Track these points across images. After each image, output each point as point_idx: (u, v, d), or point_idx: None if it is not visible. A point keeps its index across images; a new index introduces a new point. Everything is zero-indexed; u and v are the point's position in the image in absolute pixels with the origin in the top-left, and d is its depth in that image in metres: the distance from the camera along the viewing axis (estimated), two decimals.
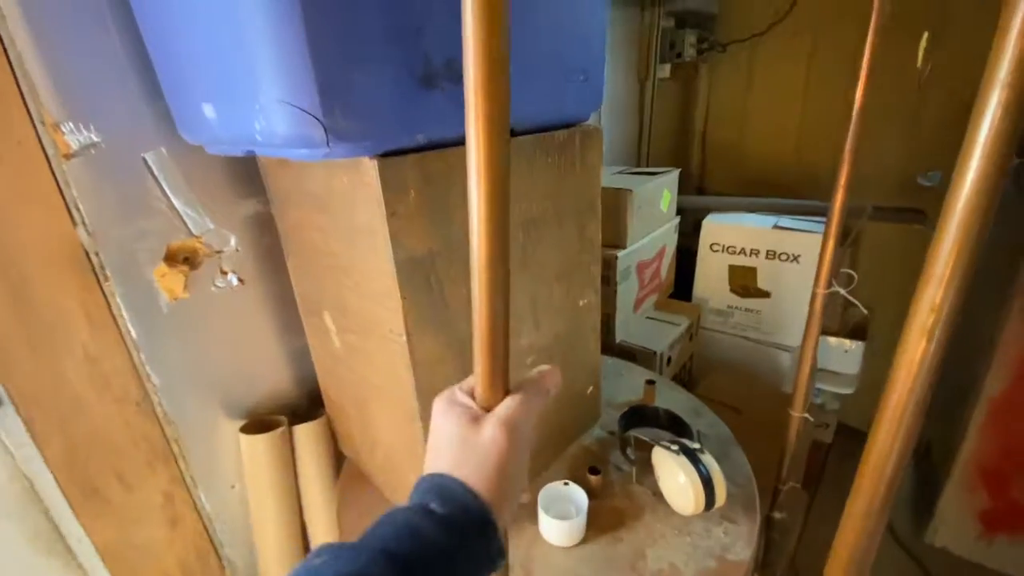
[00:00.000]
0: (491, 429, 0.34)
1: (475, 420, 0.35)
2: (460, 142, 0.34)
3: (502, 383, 0.36)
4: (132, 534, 0.82)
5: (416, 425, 0.61)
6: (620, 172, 1.41)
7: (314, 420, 0.87)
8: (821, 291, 0.81)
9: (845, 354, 1.78)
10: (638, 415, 0.89)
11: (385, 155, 0.48)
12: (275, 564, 0.86)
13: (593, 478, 0.76)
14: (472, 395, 0.37)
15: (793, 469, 0.97)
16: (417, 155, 0.51)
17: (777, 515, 1.00)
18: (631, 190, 1.18)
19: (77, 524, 0.76)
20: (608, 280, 1.23)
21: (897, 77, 0.86)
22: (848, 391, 1.75)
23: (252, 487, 0.85)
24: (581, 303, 0.80)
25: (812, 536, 1.66)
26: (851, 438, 2.08)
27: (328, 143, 0.43)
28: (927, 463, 1.88)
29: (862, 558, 0.51)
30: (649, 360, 1.29)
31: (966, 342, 1.92)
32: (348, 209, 0.55)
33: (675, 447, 0.72)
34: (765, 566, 0.91)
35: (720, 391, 1.47)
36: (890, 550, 1.64)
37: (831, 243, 0.80)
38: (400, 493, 0.75)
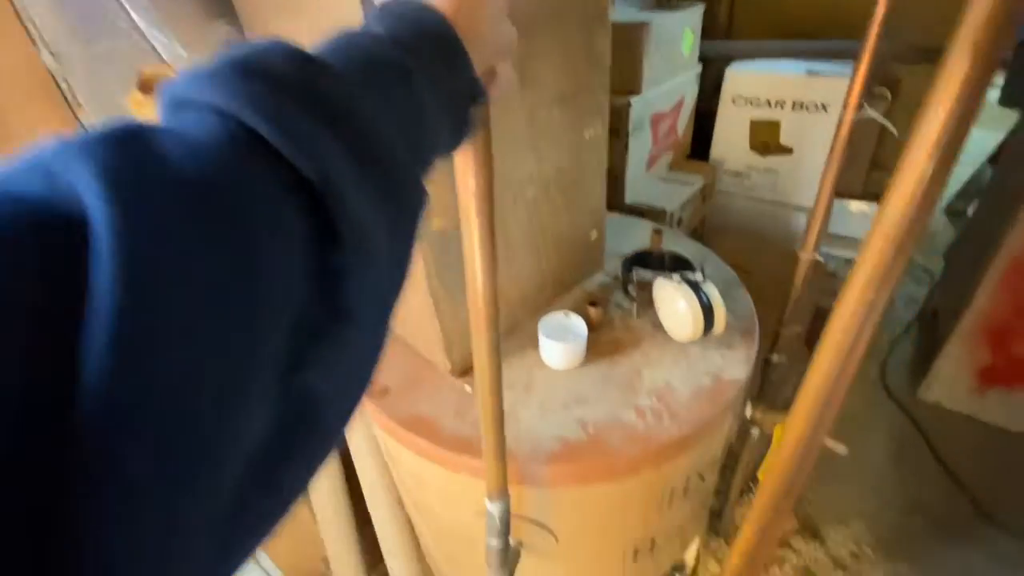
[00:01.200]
0: None
1: None
2: None
3: None
4: None
5: None
6: (634, 9, 1.26)
7: None
8: (850, 115, 0.74)
9: (864, 217, 1.72)
10: (642, 259, 0.87)
11: None
12: None
13: (593, 310, 0.77)
14: None
15: (797, 313, 0.97)
16: None
17: (775, 358, 1.02)
18: (647, 23, 1.05)
19: None
20: (619, 132, 1.16)
21: None
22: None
23: None
24: (587, 134, 0.75)
25: None
26: None
27: None
28: (931, 329, 1.91)
29: (828, 398, 0.50)
30: (659, 219, 1.25)
31: (993, 201, 1.83)
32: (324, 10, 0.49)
33: (676, 276, 0.72)
34: (759, 399, 0.95)
35: (731, 253, 1.43)
36: (883, 406, 1.72)
37: (866, 61, 0.71)
38: (407, 326, 0.78)
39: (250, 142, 0.16)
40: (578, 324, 0.73)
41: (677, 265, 0.86)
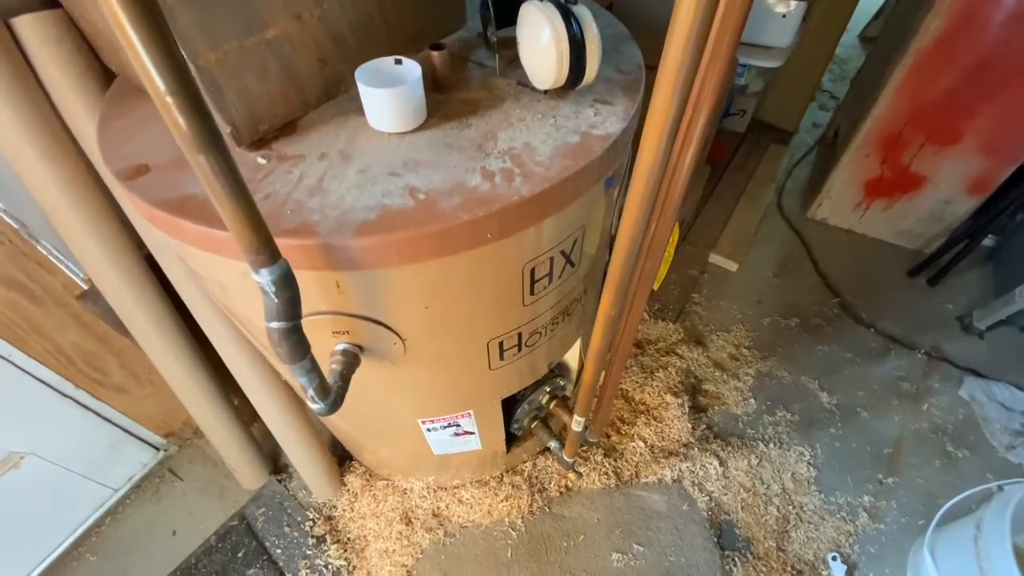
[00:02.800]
0: None
1: None
2: None
3: None
4: None
5: None
6: None
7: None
8: None
9: (782, 19, 1.56)
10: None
11: None
12: (68, 212, 0.70)
13: (436, 55, 0.58)
14: None
15: None
16: None
17: None
18: None
19: None
20: None
21: None
22: (776, 64, 1.60)
23: None
24: None
25: (709, 214, 1.73)
26: (763, 133, 2.06)
27: None
28: (829, 150, 1.91)
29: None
30: None
31: (901, 14, 1.74)
32: None
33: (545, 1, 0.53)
34: None
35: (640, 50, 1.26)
36: (776, 227, 1.75)
37: None
38: None
39: None
40: (410, 69, 0.54)
41: None
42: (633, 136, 0.59)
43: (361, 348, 0.59)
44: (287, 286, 0.39)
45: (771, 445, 1.21)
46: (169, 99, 0.28)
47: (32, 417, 0.92)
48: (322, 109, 0.58)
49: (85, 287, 0.85)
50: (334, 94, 0.59)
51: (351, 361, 0.57)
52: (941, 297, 1.53)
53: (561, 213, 0.54)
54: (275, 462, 1.20)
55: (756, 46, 1.63)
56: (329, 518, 1.11)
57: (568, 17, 0.52)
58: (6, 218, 0.74)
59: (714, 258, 1.61)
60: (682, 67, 0.31)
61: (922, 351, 1.40)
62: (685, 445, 1.19)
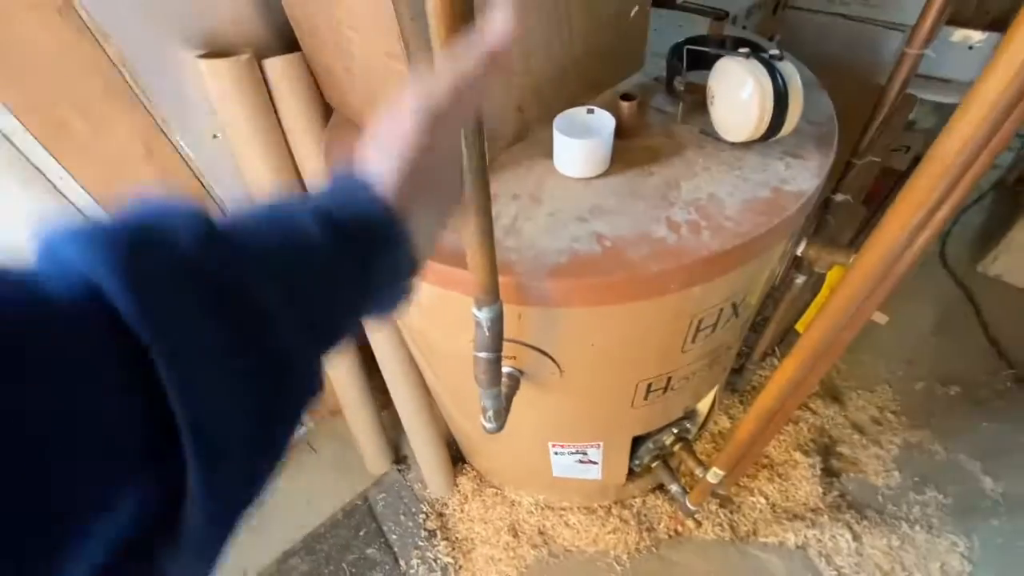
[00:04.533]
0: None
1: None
2: None
3: None
4: (121, 184, 0.77)
5: (388, 9, 0.43)
6: None
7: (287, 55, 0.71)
8: None
9: (968, 51, 1.39)
10: (697, 45, 0.67)
11: None
12: None
13: (625, 104, 0.60)
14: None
15: (880, 137, 0.78)
16: None
17: (839, 197, 0.86)
18: None
19: (57, 164, 0.70)
20: None
21: None
22: (955, 101, 1.43)
23: (232, 131, 0.75)
24: None
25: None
26: None
27: None
28: (1009, 197, 1.66)
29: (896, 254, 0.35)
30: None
31: None
32: None
33: (745, 50, 0.53)
34: (814, 238, 0.80)
35: None
36: (936, 278, 1.56)
37: None
38: None
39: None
40: (603, 120, 0.57)
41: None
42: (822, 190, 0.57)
43: (522, 372, 0.63)
44: (499, 322, 0.43)
45: (917, 528, 1.08)
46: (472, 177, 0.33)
47: None
48: (512, 150, 0.63)
49: None
50: (523, 137, 0.64)
51: (514, 384, 0.61)
52: None
53: (744, 267, 0.53)
54: (396, 452, 1.30)
55: (932, 78, 1.47)
56: (440, 515, 1.18)
57: (773, 72, 0.52)
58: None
59: None
60: (960, 160, 0.30)
61: None
62: (813, 510, 1.09)
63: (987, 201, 1.77)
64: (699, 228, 0.51)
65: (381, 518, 1.19)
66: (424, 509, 1.18)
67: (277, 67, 0.72)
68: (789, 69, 0.52)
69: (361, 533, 1.17)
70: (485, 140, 0.33)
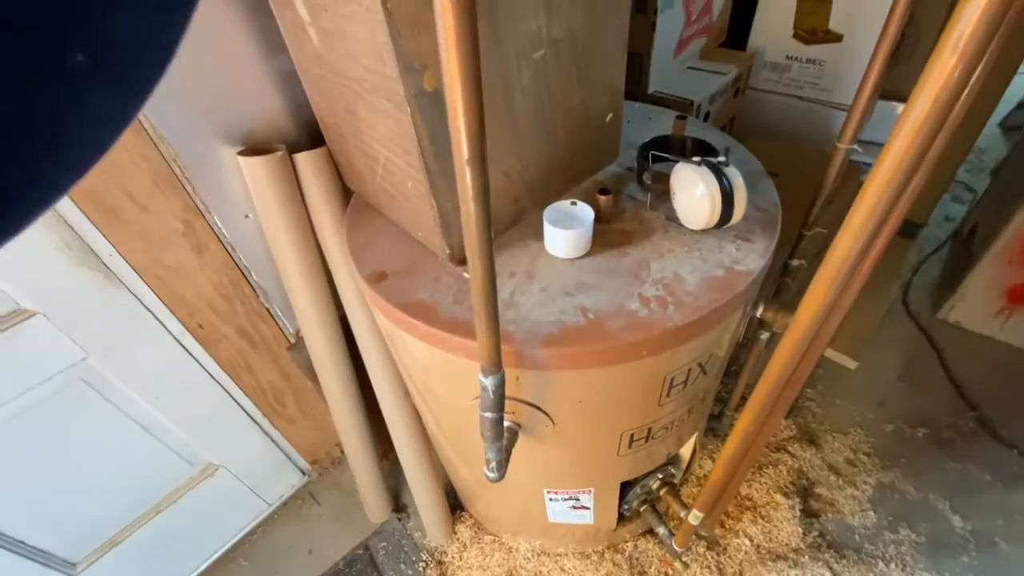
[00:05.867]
0: None
1: None
2: None
3: None
4: (161, 256, 0.86)
5: (405, 114, 0.55)
6: None
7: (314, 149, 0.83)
8: None
9: None
10: (661, 145, 0.80)
11: None
12: (301, 288, 0.92)
13: (602, 198, 0.72)
14: None
15: (824, 212, 0.91)
16: None
17: (795, 262, 0.97)
18: None
19: (104, 240, 0.80)
20: (645, 7, 1.03)
21: None
22: None
23: (263, 214, 0.85)
24: None
25: None
26: None
27: None
28: (964, 247, 1.81)
29: (829, 306, 0.45)
30: (683, 112, 1.15)
31: None
32: None
33: (697, 159, 0.65)
34: (773, 301, 0.91)
35: (762, 156, 1.34)
36: (901, 325, 1.68)
37: None
38: (405, 212, 0.74)
39: None
40: (584, 211, 0.68)
41: (699, 152, 0.79)
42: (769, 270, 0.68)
43: (520, 426, 0.71)
44: (502, 387, 0.53)
45: (892, 566, 1.14)
46: (479, 262, 0.43)
47: (231, 435, 1.15)
48: (508, 234, 0.74)
49: (291, 341, 1.08)
50: (518, 221, 0.75)
51: (512, 437, 0.69)
52: None
53: (705, 336, 0.63)
54: (396, 500, 1.34)
55: (880, 145, 1.64)
56: (440, 563, 1.22)
57: (720, 176, 0.64)
58: (254, 287, 0.98)
59: (831, 353, 1.57)
60: (856, 247, 0.40)
61: None
62: (795, 550, 1.16)
63: (944, 252, 1.92)
64: (666, 303, 0.62)
65: (382, 567, 1.23)
66: (424, 557, 1.22)
67: (306, 161, 0.84)
68: (733, 172, 0.64)
69: None
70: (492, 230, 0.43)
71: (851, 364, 1.55)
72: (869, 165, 1.40)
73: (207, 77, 0.76)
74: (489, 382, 0.51)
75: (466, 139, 0.38)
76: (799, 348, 0.49)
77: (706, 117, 1.20)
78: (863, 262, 0.48)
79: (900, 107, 1.32)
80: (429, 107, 0.55)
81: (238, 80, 0.79)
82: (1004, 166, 1.96)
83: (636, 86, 1.16)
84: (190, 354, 0.99)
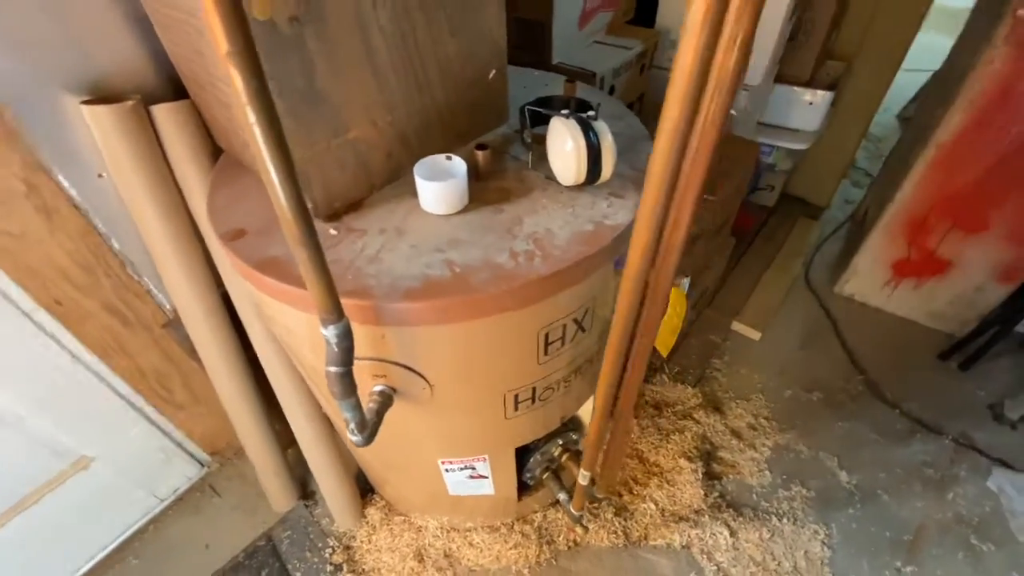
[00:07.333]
0: None
1: None
2: None
3: None
4: (2, 221, 0.77)
5: None
6: None
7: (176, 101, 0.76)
8: None
9: (809, 107, 1.66)
10: (544, 104, 0.79)
11: None
12: (170, 256, 0.85)
13: (480, 154, 0.70)
14: None
15: (722, 187, 0.93)
16: None
17: None
18: None
19: None
20: None
21: None
22: (802, 147, 1.69)
23: (116, 172, 0.77)
24: None
25: (734, 283, 1.79)
26: (794, 207, 2.12)
27: None
28: (859, 227, 1.95)
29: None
30: (587, 83, 1.15)
31: (930, 101, 1.80)
32: None
33: (567, 111, 0.64)
34: None
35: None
36: (802, 300, 1.78)
37: None
38: None
39: None
40: (458, 165, 0.66)
41: (581, 110, 0.78)
42: None
43: (395, 390, 0.69)
44: (346, 339, 0.50)
45: (785, 520, 1.21)
46: (280, 189, 0.39)
47: (106, 425, 1.05)
48: (384, 191, 0.71)
49: (170, 317, 1.00)
50: (395, 179, 0.72)
51: (386, 401, 0.66)
52: (973, 383, 1.51)
53: (573, 289, 0.63)
54: (303, 488, 1.28)
55: (784, 128, 1.73)
56: (347, 548, 1.18)
57: (587, 130, 0.63)
58: (118, 256, 0.90)
59: (737, 326, 1.65)
60: (667, 165, 0.40)
61: (949, 437, 1.38)
62: (696, 511, 1.20)
63: (843, 232, 2.06)
64: (533, 256, 0.61)
65: (285, 556, 1.17)
66: (331, 543, 1.18)
67: (165, 113, 0.77)
68: (602, 127, 0.64)
69: (263, 573, 1.14)
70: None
71: (756, 335, 1.63)
72: (779, 148, 1.46)
73: (31, 11, 0.67)
74: (330, 333, 0.48)
75: (224, 30, 0.31)
76: (636, 285, 0.49)
77: (611, 91, 1.21)
78: (674, 196, 0.48)
79: (797, 90, 1.38)
80: (270, 42, 0.51)
81: (77, 17, 0.71)
82: (892, 155, 2.12)
83: (540, 56, 1.15)
84: (47, 333, 0.89)
